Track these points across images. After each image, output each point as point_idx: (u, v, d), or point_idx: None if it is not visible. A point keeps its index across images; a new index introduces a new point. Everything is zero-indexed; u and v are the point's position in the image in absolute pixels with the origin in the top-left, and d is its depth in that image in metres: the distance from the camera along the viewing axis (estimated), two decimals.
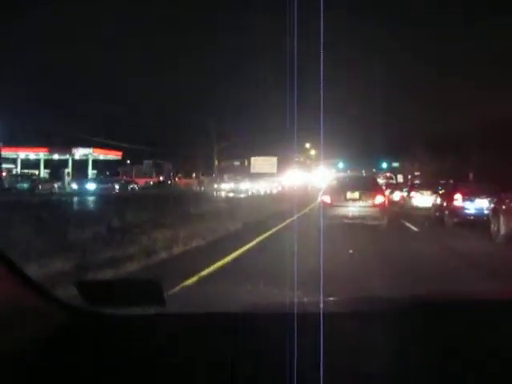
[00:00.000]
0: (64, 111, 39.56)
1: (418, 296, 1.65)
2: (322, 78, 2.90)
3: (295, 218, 11.97)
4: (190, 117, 42.25)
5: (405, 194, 22.23)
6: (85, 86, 44.69)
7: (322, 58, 2.83)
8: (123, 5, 43.09)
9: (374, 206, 11.07)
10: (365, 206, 11.07)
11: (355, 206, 11.08)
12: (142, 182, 43.09)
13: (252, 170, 44.45)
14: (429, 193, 18.78)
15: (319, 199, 11.87)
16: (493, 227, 9.55)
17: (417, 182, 28.18)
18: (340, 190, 11.47)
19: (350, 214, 11.02)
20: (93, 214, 13.16)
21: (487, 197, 11.91)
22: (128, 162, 50.17)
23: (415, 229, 11.92)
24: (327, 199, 11.24)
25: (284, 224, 11.67)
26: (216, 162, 42.68)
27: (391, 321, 1.29)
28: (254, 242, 8.74)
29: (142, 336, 1.23)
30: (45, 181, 36.25)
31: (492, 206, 10.36)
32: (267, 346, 1.17)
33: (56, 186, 34.30)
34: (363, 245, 8.25)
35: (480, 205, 12.16)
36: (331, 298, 1.57)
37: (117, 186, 36.46)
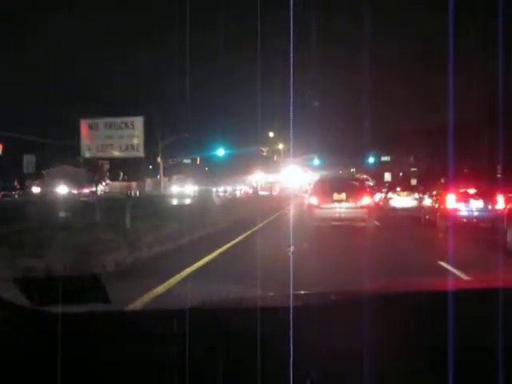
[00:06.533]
0: None
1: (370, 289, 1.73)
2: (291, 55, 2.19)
3: None
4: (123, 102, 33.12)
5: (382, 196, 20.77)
6: None
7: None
8: None
9: (362, 207, 11.47)
10: (352, 208, 11.44)
11: (342, 208, 11.43)
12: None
13: (86, 155, 13.68)
14: (405, 193, 18.64)
15: (306, 202, 12.45)
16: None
17: (414, 180, 26.08)
18: (326, 192, 11.71)
19: (337, 215, 11.41)
20: None
21: None
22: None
23: None
24: (314, 201, 11.64)
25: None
26: (159, 160, 33.81)
27: (359, 312, 1.29)
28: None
29: (79, 335, 1.21)
30: None
31: None
32: (221, 341, 1.15)
33: None
34: None
35: None
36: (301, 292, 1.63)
37: None
